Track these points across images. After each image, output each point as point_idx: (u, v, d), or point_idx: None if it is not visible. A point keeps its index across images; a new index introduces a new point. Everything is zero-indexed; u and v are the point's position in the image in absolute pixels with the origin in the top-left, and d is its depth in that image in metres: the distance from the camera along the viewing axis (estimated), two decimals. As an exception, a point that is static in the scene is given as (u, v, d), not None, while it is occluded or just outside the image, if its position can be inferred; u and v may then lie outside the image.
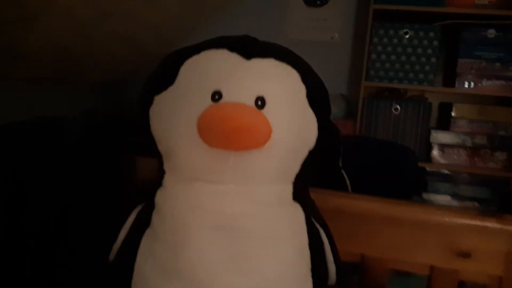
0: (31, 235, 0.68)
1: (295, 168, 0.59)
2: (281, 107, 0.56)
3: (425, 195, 2.06)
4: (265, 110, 0.55)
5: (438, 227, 0.72)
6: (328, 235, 0.63)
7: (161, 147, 0.59)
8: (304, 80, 0.59)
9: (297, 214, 0.60)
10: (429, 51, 1.95)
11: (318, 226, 0.62)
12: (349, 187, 1.21)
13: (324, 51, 2.22)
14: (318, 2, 2.26)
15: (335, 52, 2.24)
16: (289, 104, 0.57)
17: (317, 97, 0.59)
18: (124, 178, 0.79)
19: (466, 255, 0.71)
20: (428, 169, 2.04)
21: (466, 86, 1.96)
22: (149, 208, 0.60)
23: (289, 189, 0.60)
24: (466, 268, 0.71)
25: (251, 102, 0.55)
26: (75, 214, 0.71)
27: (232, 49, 0.58)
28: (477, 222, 0.71)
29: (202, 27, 2.38)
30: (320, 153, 0.63)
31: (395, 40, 1.97)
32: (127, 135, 1.09)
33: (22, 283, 0.66)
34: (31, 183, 0.68)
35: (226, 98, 0.54)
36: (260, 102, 0.55)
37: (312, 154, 0.60)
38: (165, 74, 0.59)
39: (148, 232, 0.59)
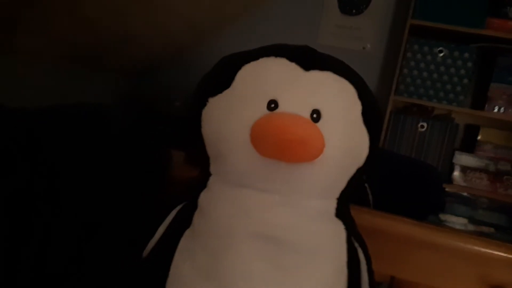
0: (64, 223, 0.68)
1: (342, 184, 0.59)
2: (336, 122, 0.55)
3: (442, 216, 2.03)
4: (320, 124, 0.54)
5: (473, 257, 0.71)
6: (366, 255, 0.62)
7: (211, 150, 0.59)
8: (361, 96, 0.58)
9: (339, 231, 0.59)
10: (462, 71, 1.92)
11: (357, 245, 0.62)
12: (371, 201, 1.20)
13: (355, 60, 2.16)
14: (354, 11, 2.25)
15: (366, 62, 2.22)
16: (344, 120, 0.56)
17: (372, 115, 0.59)
18: (159, 170, 0.79)
19: (498, 288, 0.70)
20: (447, 190, 2.02)
21: (496, 110, 1.94)
22: (191, 208, 0.60)
23: (333, 205, 0.59)
24: (497, 301, 0.70)
25: (306, 114, 0.54)
26: (110, 205, 0.71)
27: (291, 58, 0.57)
28: (514, 257, 0.69)
29: (235, 24, 2.38)
30: (367, 172, 0.62)
31: (429, 57, 1.95)
32: (157, 126, 1.09)
33: (51, 274, 0.65)
34: (70, 170, 0.68)
35: (282, 108, 0.54)
36: (316, 115, 0.54)
37: (359, 172, 0.59)
38: (221, 77, 0.58)
39: (188, 233, 0.59)
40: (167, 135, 0.89)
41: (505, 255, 0.69)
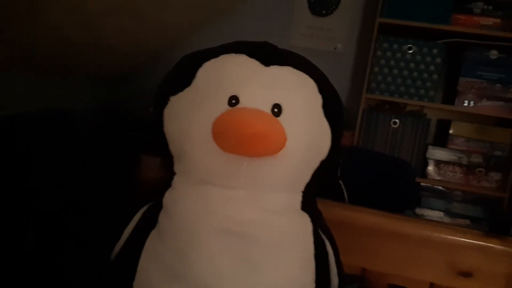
0: (34, 226, 0.67)
1: (306, 177, 0.59)
2: (297, 116, 0.56)
3: (418, 210, 2.06)
4: (281, 118, 0.54)
5: (441, 245, 0.72)
6: (334, 247, 0.63)
7: (174, 149, 0.59)
8: (321, 90, 0.59)
9: (305, 224, 0.59)
10: (432, 67, 1.96)
11: (324, 237, 0.62)
12: (346, 198, 1.21)
13: (327, 60, 2.19)
14: (324, 12, 2.27)
15: (338, 62, 2.25)
16: (305, 114, 0.57)
17: (332, 108, 0.59)
18: (129, 175, 0.79)
19: (467, 274, 0.71)
20: (422, 184, 2.05)
21: (466, 104, 1.98)
22: (156, 208, 0.59)
23: (298, 198, 0.59)
24: (466, 287, 0.71)
25: (267, 109, 0.54)
26: (79, 209, 0.70)
27: (251, 55, 0.57)
28: (480, 242, 0.71)
29: (205, 29, 2.38)
30: (331, 164, 0.63)
31: (399, 55, 1.98)
32: (131, 132, 1.09)
33: (22, 278, 0.64)
34: (40, 174, 0.68)
35: (243, 103, 0.54)
36: (277, 110, 0.55)
37: (323, 165, 0.60)
38: (182, 75, 0.58)
39: (153, 233, 0.58)
40: (139, 140, 0.89)
41: (470, 241, 0.71)
